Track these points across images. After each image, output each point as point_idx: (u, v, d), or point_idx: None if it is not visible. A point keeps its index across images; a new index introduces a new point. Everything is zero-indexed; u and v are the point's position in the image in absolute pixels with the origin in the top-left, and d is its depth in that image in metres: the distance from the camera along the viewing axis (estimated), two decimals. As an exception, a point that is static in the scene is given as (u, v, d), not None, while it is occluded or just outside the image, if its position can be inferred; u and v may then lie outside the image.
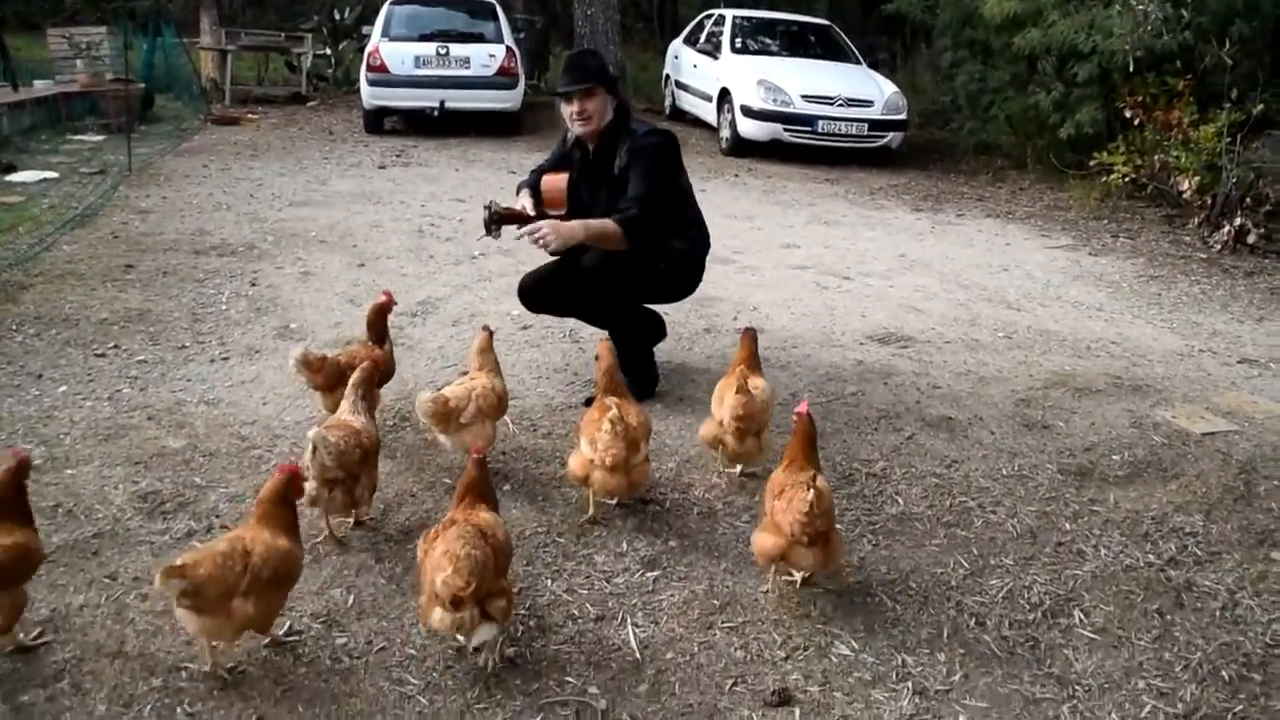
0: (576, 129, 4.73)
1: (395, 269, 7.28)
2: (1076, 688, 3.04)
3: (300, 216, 8.79)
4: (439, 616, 2.80)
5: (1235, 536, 3.95)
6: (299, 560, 2.99)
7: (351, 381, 3.73)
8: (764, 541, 3.31)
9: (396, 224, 8.76)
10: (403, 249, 7.90)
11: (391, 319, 4.63)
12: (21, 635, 2.97)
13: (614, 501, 3.88)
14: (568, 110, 4.71)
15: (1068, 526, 3.98)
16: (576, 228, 4.44)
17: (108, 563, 3.40)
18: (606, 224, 4.48)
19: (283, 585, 2.93)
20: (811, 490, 3.15)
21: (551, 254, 4.41)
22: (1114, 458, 4.59)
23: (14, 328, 5.56)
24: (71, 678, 2.86)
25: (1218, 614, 3.44)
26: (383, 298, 4.47)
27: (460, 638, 3.03)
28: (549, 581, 3.45)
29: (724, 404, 4.03)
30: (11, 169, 10.07)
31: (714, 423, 4.10)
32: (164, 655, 2.97)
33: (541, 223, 4.38)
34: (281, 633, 3.07)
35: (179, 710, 2.76)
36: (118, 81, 13.41)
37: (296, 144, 13.08)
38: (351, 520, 3.69)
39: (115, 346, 5.39)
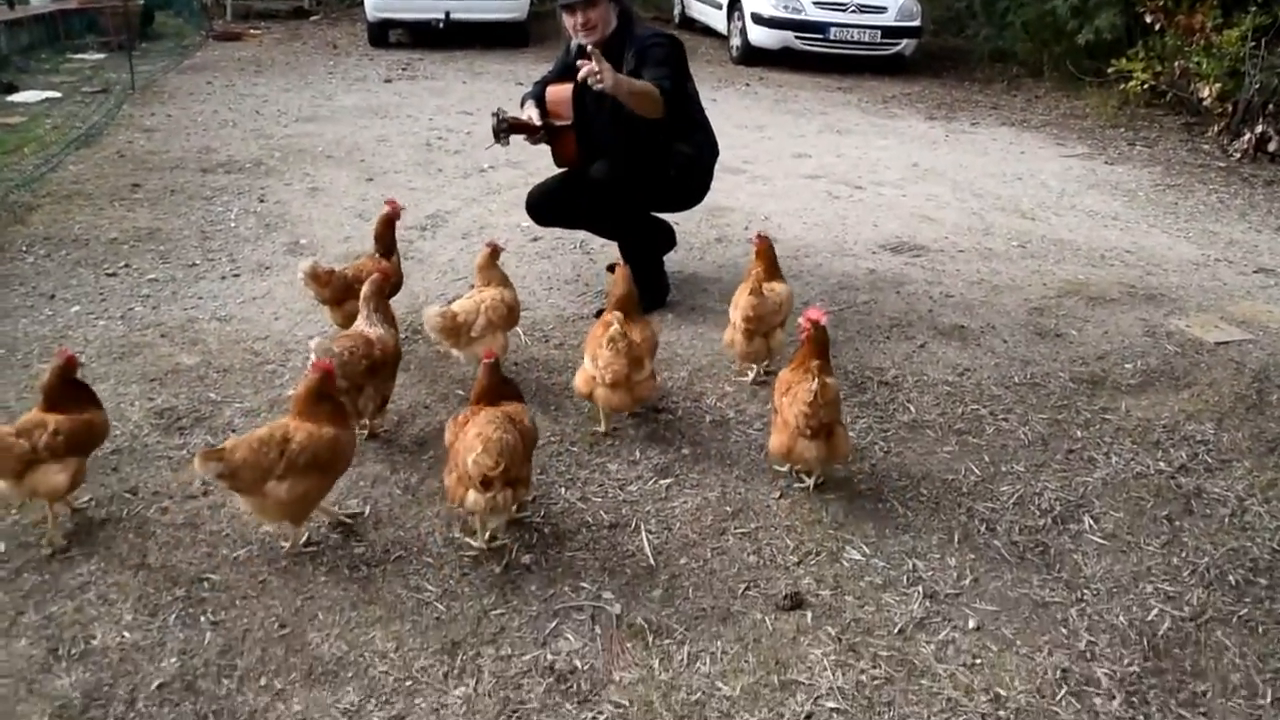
0: (581, 39, 4.64)
1: (404, 183, 7.23)
2: (1085, 591, 3.08)
3: (306, 132, 8.70)
4: (473, 499, 2.91)
5: (1246, 444, 3.96)
6: (345, 446, 3.07)
7: (362, 295, 3.73)
8: (773, 440, 3.38)
9: (404, 138, 8.67)
10: (411, 163, 7.84)
11: (401, 233, 4.61)
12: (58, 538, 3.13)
13: (625, 413, 3.91)
14: (570, 21, 4.61)
15: (1079, 434, 3.99)
16: (622, 76, 4.24)
17: (128, 478, 3.45)
18: (646, 83, 4.32)
19: (325, 471, 3.02)
20: (816, 381, 3.18)
21: (601, 90, 4.13)
22: (1126, 366, 4.59)
23: (24, 249, 5.56)
24: (98, 589, 2.92)
25: (1226, 520, 3.46)
26: (387, 207, 4.44)
27: (474, 543, 3.10)
28: (563, 490, 3.49)
29: (737, 306, 4.09)
30: (12, 89, 9.97)
31: (730, 324, 4.17)
32: (186, 566, 3.03)
33: (601, 62, 4.11)
34: (302, 542, 3.13)
35: (203, 619, 2.83)
36: (117, -3, 13.19)
37: (300, 59, 12.90)
38: (366, 432, 3.73)
39: (126, 265, 5.39)
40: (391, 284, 4.27)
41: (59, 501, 3.12)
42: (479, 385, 3.20)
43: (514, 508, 3.19)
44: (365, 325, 3.65)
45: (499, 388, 3.21)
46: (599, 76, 4.06)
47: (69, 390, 3.14)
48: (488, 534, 3.16)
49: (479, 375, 3.22)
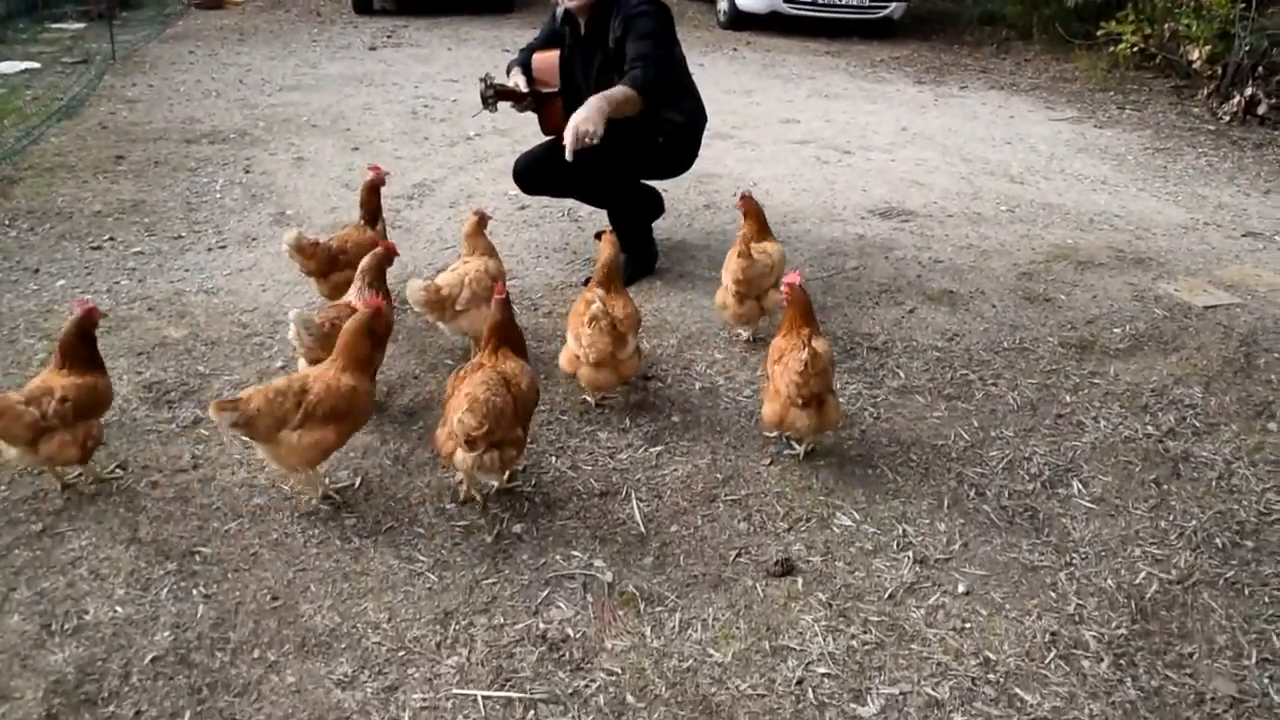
0: (567, 2, 4.59)
1: (390, 152, 7.17)
2: (1074, 555, 3.10)
3: (291, 101, 8.62)
4: (460, 456, 2.97)
5: (1234, 408, 3.97)
6: (362, 398, 3.11)
7: (361, 266, 3.70)
8: (765, 408, 3.39)
9: (389, 106, 8.60)
10: (397, 131, 7.78)
11: (388, 202, 4.58)
12: (98, 469, 3.28)
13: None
14: None
15: (1068, 399, 4.01)
16: (599, 104, 4.16)
17: (117, 453, 3.43)
18: (620, 90, 4.26)
19: (342, 420, 3.05)
20: (806, 350, 3.18)
21: (597, 143, 4.11)
22: (1115, 330, 4.59)
23: (7, 223, 5.50)
24: (89, 564, 2.92)
25: (1214, 483, 3.49)
26: (371, 174, 4.39)
27: (466, 493, 3.11)
28: (553, 459, 3.49)
29: (728, 269, 4.11)
30: (-9, 59, 9.83)
31: (722, 286, 4.19)
32: (177, 540, 3.02)
33: (571, 124, 4.09)
34: (318, 498, 3.21)
35: (195, 592, 2.83)
36: (96, -36, 12.98)
37: (284, 27, 12.75)
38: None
39: (111, 239, 5.34)
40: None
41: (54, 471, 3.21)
42: (491, 320, 3.27)
43: (505, 474, 3.21)
44: (355, 297, 3.63)
45: (510, 324, 3.28)
46: (587, 136, 4.05)
47: (85, 348, 3.17)
48: (475, 494, 3.21)
49: (491, 311, 3.30)
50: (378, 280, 3.70)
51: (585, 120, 4.08)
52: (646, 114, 4.40)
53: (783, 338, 3.42)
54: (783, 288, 3.47)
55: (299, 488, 3.24)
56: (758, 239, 4.27)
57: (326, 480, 3.28)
